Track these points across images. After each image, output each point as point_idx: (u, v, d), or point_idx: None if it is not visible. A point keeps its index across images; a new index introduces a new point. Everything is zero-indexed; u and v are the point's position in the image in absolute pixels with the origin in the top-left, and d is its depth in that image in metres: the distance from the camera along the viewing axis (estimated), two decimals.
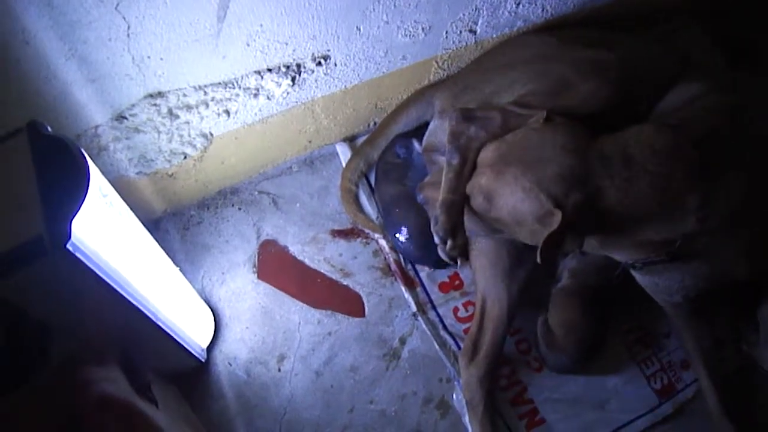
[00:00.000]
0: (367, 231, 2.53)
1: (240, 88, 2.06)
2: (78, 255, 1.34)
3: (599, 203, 1.76)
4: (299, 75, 2.13)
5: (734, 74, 2.30)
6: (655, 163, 1.77)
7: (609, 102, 1.98)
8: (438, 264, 2.42)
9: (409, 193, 2.42)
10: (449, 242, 2.01)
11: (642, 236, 1.84)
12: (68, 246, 1.30)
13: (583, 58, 2.07)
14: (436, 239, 2.03)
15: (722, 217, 1.80)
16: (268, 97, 2.16)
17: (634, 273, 2.07)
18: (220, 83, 2.01)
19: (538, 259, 1.75)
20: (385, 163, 2.53)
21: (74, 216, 1.30)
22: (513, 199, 1.82)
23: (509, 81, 2.12)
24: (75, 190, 1.34)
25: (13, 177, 1.37)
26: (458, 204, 1.98)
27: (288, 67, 2.09)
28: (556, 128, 1.87)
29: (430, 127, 2.36)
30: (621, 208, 1.77)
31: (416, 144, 2.45)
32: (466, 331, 2.38)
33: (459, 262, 2.10)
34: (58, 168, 1.37)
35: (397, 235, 2.44)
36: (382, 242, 2.51)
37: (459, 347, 2.35)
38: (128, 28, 1.68)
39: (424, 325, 2.40)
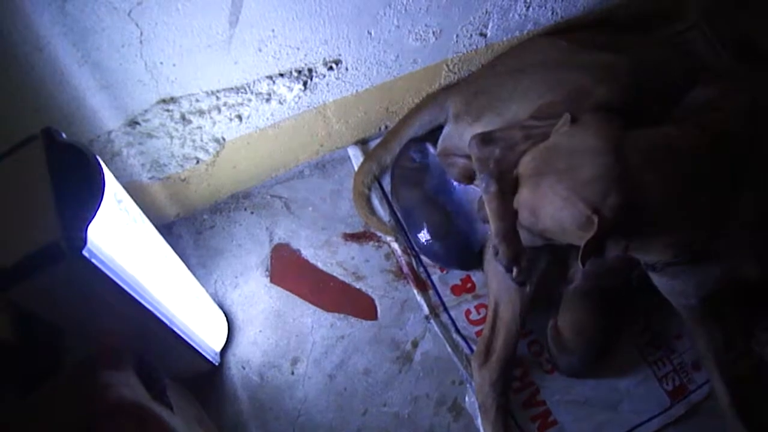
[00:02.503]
0: (379, 234, 2.53)
1: (252, 93, 2.07)
2: (93, 260, 1.35)
3: (643, 201, 1.75)
4: (311, 79, 2.14)
5: (747, 74, 2.30)
6: (688, 165, 1.78)
7: (622, 105, 1.98)
8: (462, 265, 2.42)
9: (429, 196, 2.44)
10: (515, 270, 1.99)
11: (669, 238, 1.84)
12: (84, 252, 1.31)
13: (595, 62, 2.07)
14: (500, 268, 2.02)
15: (743, 218, 1.80)
16: (280, 102, 2.17)
17: (651, 275, 2.07)
18: (232, 88, 2.02)
19: (580, 266, 1.75)
20: (402, 168, 2.53)
21: (90, 222, 1.31)
22: (553, 209, 1.81)
23: (523, 88, 2.12)
24: (90, 196, 1.35)
25: (29, 184, 1.38)
26: (512, 229, 1.97)
27: (300, 72, 2.09)
28: (585, 130, 1.86)
29: (444, 131, 2.37)
30: (665, 205, 1.76)
31: (431, 147, 2.45)
32: (478, 333, 2.39)
33: (528, 286, 2.10)
34: (73, 174, 1.38)
35: (421, 238, 2.45)
36: (395, 245, 2.51)
37: (471, 350, 2.35)
38: (141, 34, 1.68)
39: (436, 328, 2.40)
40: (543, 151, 1.91)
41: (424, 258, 2.51)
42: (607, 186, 1.73)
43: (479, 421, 2.25)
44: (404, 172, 2.53)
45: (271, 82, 2.07)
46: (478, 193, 2.14)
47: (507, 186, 1.97)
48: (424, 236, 2.44)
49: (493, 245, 2.00)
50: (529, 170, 1.91)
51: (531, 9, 2.26)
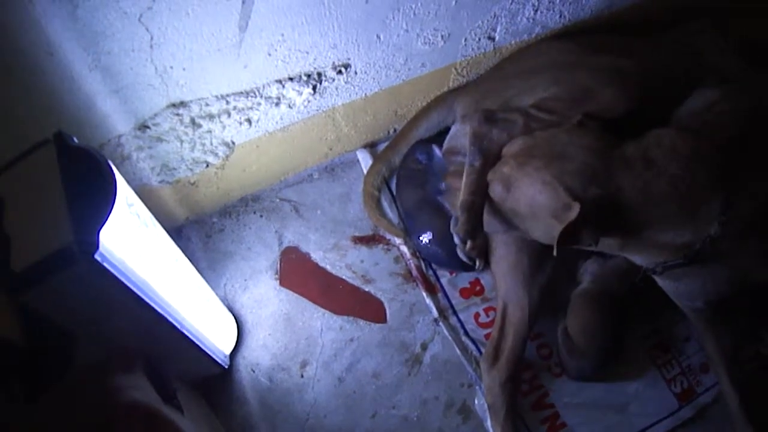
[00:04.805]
0: (389, 236, 2.54)
1: (261, 97, 2.08)
2: (105, 264, 1.36)
3: (619, 202, 1.77)
4: (320, 83, 2.14)
5: (753, 76, 2.30)
6: (677, 166, 1.78)
7: (629, 108, 1.99)
8: (464, 267, 2.43)
9: (431, 199, 2.44)
10: (469, 243, 2.02)
11: (662, 239, 1.84)
12: (96, 256, 1.31)
13: (603, 64, 2.08)
14: (456, 239, 2.05)
15: (744, 220, 1.80)
16: (289, 106, 2.18)
17: (655, 278, 2.07)
18: (242, 92, 2.03)
19: (554, 252, 1.76)
20: (407, 169, 2.53)
21: (102, 226, 1.32)
22: (531, 190, 1.84)
23: (530, 85, 2.13)
24: (102, 200, 1.36)
25: (41, 188, 1.39)
26: (479, 205, 2.00)
27: (309, 76, 2.10)
28: (584, 130, 1.90)
29: (452, 131, 2.37)
30: (640, 208, 1.77)
31: (436, 149, 2.45)
32: (487, 336, 2.38)
33: (478, 263, 2.11)
34: (85, 179, 1.39)
35: (422, 239, 2.44)
36: (404, 248, 2.51)
37: (480, 352, 2.36)
38: (151, 38, 1.69)
39: (445, 331, 2.40)
40: (537, 138, 1.94)
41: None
42: (589, 181, 1.77)
43: (488, 423, 2.25)
44: (409, 173, 2.54)
45: (281, 86, 2.07)
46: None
47: (489, 168, 2.00)
48: (424, 238, 2.44)
49: (454, 216, 2.03)
50: (518, 151, 1.94)
51: (539, 13, 2.26)
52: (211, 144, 2.18)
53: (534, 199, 1.84)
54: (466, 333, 2.42)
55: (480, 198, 2.00)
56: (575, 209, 1.71)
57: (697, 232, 1.81)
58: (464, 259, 2.12)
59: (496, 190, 1.95)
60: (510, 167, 1.91)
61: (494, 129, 2.01)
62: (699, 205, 1.79)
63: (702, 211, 1.79)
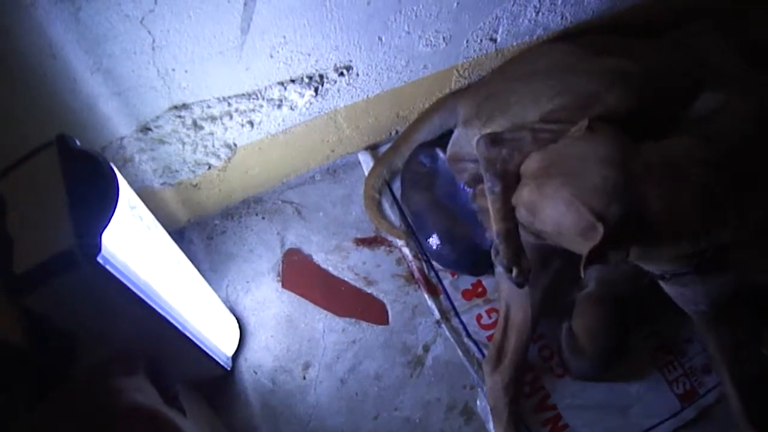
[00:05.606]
0: (390, 238, 2.54)
1: (263, 99, 2.08)
2: (107, 267, 1.36)
3: (644, 213, 1.75)
4: (322, 85, 2.15)
5: (754, 77, 2.30)
6: (696, 175, 1.78)
7: (631, 109, 1.98)
8: (472, 270, 2.43)
9: (439, 201, 2.45)
10: (514, 270, 1.99)
11: (677, 248, 1.84)
12: (98, 258, 1.31)
13: (606, 67, 2.07)
14: (500, 269, 2.01)
15: (754, 226, 1.80)
16: (291, 108, 2.18)
17: (661, 283, 2.07)
18: (243, 94, 2.03)
19: (581, 273, 1.75)
20: (412, 172, 2.54)
21: (104, 229, 1.32)
22: (555, 212, 1.81)
23: (534, 92, 2.11)
24: (104, 203, 1.36)
25: (43, 190, 1.39)
26: (514, 230, 1.97)
27: (311, 78, 2.10)
28: (597, 138, 1.87)
29: (454, 136, 2.37)
30: (665, 218, 1.76)
31: (440, 152, 2.46)
32: (489, 338, 2.39)
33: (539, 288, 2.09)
34: (87, 182, 1.39)
35: (431, 242, 2.45)
36: (405, 250, 2.51)
37: (482, 354, 2.36)
38: (153, 41, 1.69)
39: (447, 333, 2.40)
40: (552, 153, 1.91)
41: (435, 263, 2.52)
42: (611, 197, 1.74)
43: (491, 425, 2.25)
44: (414, 176, 2.54)
45: (283, 88, 2.08)
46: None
47: (511, 186, 1.98)
48: (434, 241, 2.44)
49: (494, 245, 2.00)
50: (535, 170, 1.91)
51: (541, 14, 2.26)
52: (213, 146, 2.18)
53: (558, 220, 1.82)
54: (468, 335, 2.42)
55: (513, 222, 1.97)
56: (599, 231, 1.69)
57: (711, 240, 1.81)
58: (513, 285, 2.09)
59: (521, 214, 1.93)
60: (530, 190, 1.89)
61: (503, 149, 1.99)
62: (715, 213, 1.79)
63: (717, 219, 1.79)
